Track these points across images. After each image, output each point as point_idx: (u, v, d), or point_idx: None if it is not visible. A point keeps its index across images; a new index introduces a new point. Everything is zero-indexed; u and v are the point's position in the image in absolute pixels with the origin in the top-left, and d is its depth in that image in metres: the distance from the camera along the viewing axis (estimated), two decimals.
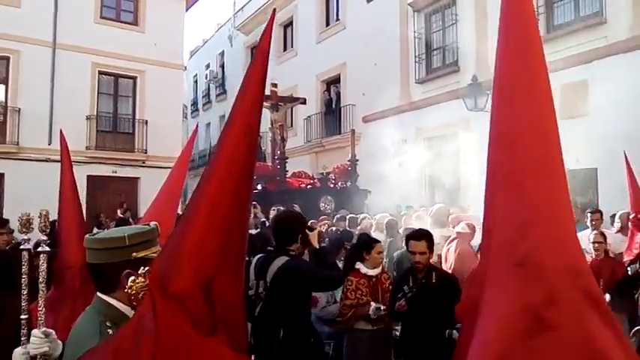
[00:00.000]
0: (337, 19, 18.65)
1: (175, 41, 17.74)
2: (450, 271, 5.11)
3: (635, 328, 4.55)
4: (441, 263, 5.56)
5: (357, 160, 13.06)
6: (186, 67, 21.50)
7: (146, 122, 16.76)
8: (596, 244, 5.50)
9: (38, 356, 1.89)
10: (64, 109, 14.93)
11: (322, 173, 14.55)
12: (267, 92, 12.70)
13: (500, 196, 1.63)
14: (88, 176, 14.47)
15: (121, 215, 13.28)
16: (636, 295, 5.02)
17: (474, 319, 1.57)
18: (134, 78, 17.05)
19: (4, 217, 7.34)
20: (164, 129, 16.69)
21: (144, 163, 16.72)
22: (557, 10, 10.96)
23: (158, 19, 17.14)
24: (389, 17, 15.11)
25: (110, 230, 1.94)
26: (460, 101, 11.84)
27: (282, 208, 8.22)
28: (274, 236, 3.63)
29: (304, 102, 14.64)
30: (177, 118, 18.24)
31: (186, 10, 18.68)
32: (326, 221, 8.81)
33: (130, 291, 1.66)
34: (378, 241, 4.88)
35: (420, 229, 4.51)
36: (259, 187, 11.78)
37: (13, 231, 6.60)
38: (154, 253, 1.74)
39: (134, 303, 1.67)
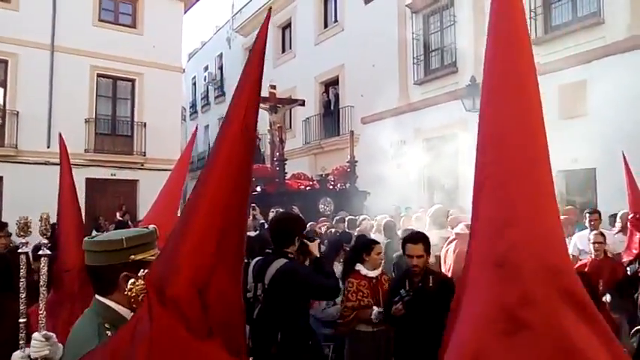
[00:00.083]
0: (335, 21, 18.67)
1: (174, 44, 17.77)
2: (448, 273, 5.11)
3: (635, 328, 4.54)
4: (439, 264, 5.56)
5: (356, 162, 13.07)
6: (184, 70, 21.52)
7: (145, 125, 16.76)
8: (597, 245, 5.49)
9: (39, 359, 1.89)
10: (62, 112, 14.93)
11: (321, 175, 14.58)
12: (266, 94, 12.72)
13: (482, 196, 1.63)
14: (87, 179, 14.45)
15: (120, 218, 13.29)
16: (636, 295, 5.01)
17: (455, 320, 1.57)
18: (133, 80, 17.05)
19: (3, 220, 7.34)
20: (163, 131, 16.69)
21: (143, 165, 16.72)
22: (554, 11, 10.98)
23: (156, 21, 17.16)
24: (387, 19, 15.12)
25: (109, 233, 1.95)
26: (459, 102, 11.86)
27: (281, 209, 8.22)
28: (272, 238, 3.63)
29: (303, 103, 14.65)
30: (175, 120, 18.25)
31: (185, 12, 18.69)
32: (325, 223, 8.82)
33: (129, 293, 1.67)
34: (378, 243, 4.87)
35: (417, 232, 4.46)
36: (258, 188, 11.77)
37: (10, 234, 6.59)
38: (152, 255, 1.76)
39: (134, 305, 1.67)
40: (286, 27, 21.60)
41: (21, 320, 2.13)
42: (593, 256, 5.48)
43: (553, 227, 1.56)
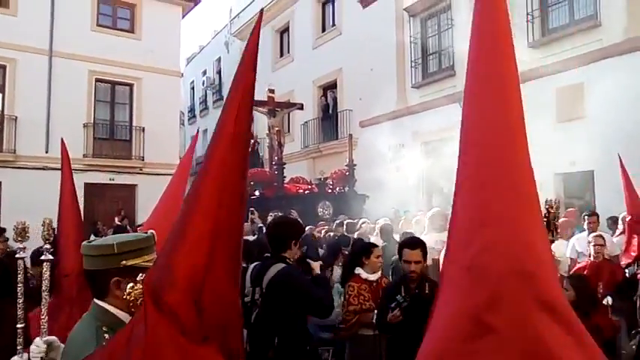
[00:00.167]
0: (333, 25, 18.72)
1: (172, 48, 17.81)
2: None
3: (634, 331, 4.55)
4: (438, 268, 5.56)
5: (355, 165, 13.07)
6: (182, 74, 21.53)
7: (143, 129, 16.76)
8: (597, 247, 5.47)
9: None
10: (60, 117, 14.93)
11: (320, 178, 14.56)
12: (264, 98, 12.73)
13: (460, 197, 1.60)
14: (85, 184, 14.44)
15: (119, 223, 13.26)
16: (634, 297, 5.01)
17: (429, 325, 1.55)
18: (131, 85, 17.06)
19: (1, 225, 7.32)
20: (161, 136, 16.70)
21: (141, 170, 16.71)
22: (552, 14, 11.02)
23: (154, 26, 17.18)
24: (385, 22, 15.16)
25: (106, 237, 1.96)
26: (457, 105, 11.86)
27: (279, 214, 8.21)
28: (269, 243, 3.61)
29: (301, 107, 14.65)
30: (174, 124, 18.26)
31: (183, 16, 18.72)
32: (324, 227, 8.82)
33: (128, 297, 1.70)
34: (377, 246, 4.87)
35: (414, 237, 4.43)
36: (257, 193, 11.77)
37: (7, 239, 6.58)
38: (147, 261, 1.76)
39: (133, 309, 1.70)
40: (284, 31, 21.65)
41: (18, 325, 2.12)
42: (592, 258, 5.48)
43: (528, 230, 1.50)
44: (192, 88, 31.28)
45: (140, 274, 1.71)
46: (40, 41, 15.06)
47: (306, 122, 18.85)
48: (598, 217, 6.70)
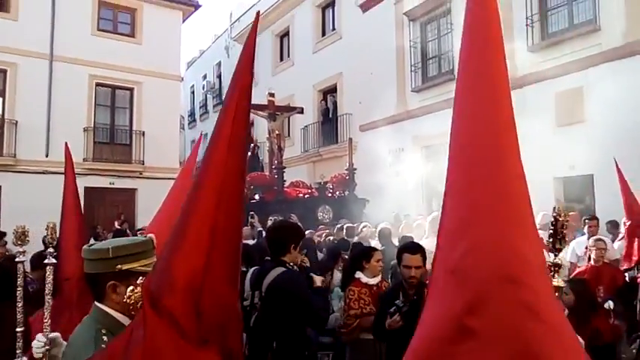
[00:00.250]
0: (333, 29, 18.76)
1: (172, 52, 17.84)
2: None
3: (634, 335, 4.54)
4: None
5: (355, 169, 13.07)
6: (183, 78, 21.56)
7: (143, 133, 16.77)
8: (599, 251, 5.41)
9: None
10: (61, 121, 14.96)
11: (320, 182, 14.55)
12: (265, 102, 12.76)
13: (448, 200, 1.58)
14: (86, 188, 14.40)
15: (119, 227, 13.27)
16: (635, 302, 5.01)
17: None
18: (131, 89, 17.08)
19: (1, 229, 7.32)
20: (161, 140, 16.71)
21: (141, 174, 16.70)
22: (551, 18, 11.04)
23: (155, 30, 17.22)
24: (384, 27, 15.20)
25: (104, 242, 1.97)
26: None
27: (279, 217, 8.20)
28: (268, 247, 3.60)
29: (301, 111, 14.65)
30: (174, 129, 18.28)
31: (183, 21, 18.76)
32: (325, 231, 8.81)
33: (129, 300, 1.70)
34: (377, 249, 4.86)
35: (414, 243, 4.41)
36: (257, 197, 11.76)
37: (6, 243, 6.57)
38: (144, 265, 1.77)
39: (132, 313, 1.70)
40: (284, 35, 21.69)
41: (18, 329, 2.13)
42: (592, 262, 5.45)
43: (516, 232, 1.45)
44: (193, 93, 31.32)
45: (140, 278, 1.70)
46: (41, 45, 15.10)
47: (306, 126, 18.87)
48: (598, 221, 6.70)
